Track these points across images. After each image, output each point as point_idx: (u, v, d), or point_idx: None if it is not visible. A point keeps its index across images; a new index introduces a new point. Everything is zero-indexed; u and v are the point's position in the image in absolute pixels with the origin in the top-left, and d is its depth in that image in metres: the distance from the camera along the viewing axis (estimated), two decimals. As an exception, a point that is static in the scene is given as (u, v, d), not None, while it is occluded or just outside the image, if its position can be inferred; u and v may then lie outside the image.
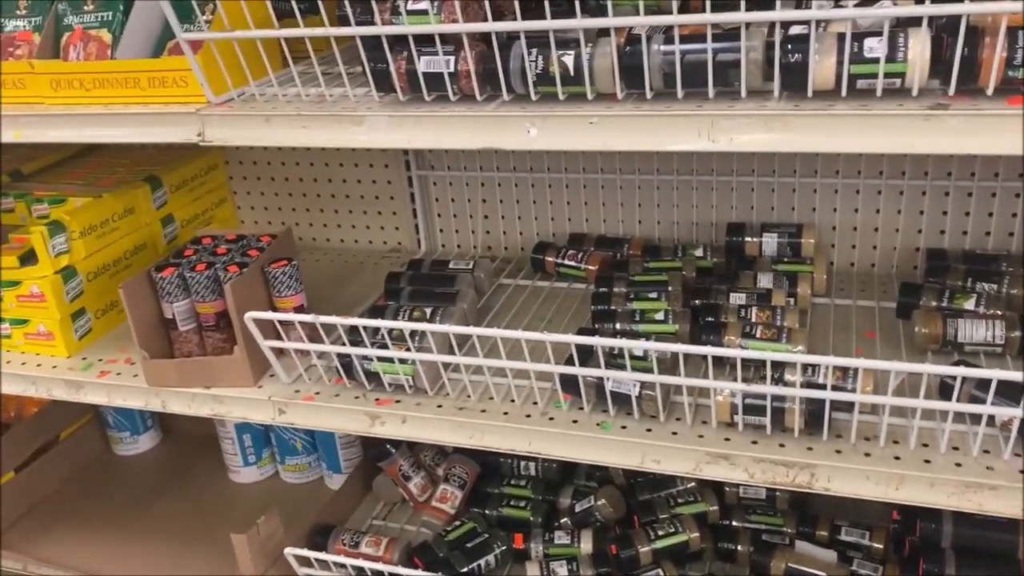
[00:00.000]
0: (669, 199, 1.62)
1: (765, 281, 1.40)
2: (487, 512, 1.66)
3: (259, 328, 1.31)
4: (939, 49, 0.88)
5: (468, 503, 1.69)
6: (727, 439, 1.15)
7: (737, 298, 1.36)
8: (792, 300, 1.37)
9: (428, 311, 1.39)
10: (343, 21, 1.09)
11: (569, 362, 1.19)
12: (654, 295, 1.37)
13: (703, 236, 1.63)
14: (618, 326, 1.33)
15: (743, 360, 1.14)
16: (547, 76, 1.00)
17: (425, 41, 1.03)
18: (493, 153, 1.70)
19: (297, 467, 1.88)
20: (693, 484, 1.60)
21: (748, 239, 1.50)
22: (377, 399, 1.31)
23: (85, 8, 1.27)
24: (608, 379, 1.17)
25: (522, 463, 1.73)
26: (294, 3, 1.10)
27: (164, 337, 1.44)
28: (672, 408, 1.21)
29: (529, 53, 0.99)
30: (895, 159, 1.47)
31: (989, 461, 1.06)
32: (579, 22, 0.95)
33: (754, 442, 1.14)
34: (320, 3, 1.04)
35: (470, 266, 1.56)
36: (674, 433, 1.17)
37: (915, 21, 0.89)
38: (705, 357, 1.19)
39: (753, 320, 1.30)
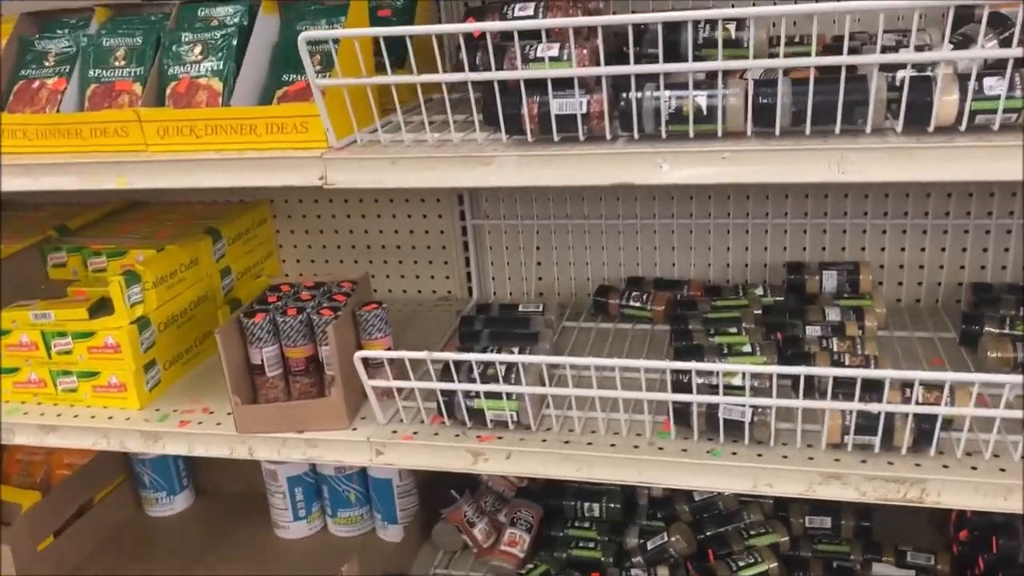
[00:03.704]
0: (723, 242, 1.70)
1: (833, 315, 1.48)
2: (556, 555, 1.67)
3: (353, 370, 1.32)
4: (1051, 86, 0.98)
5: (535, 547, 1.70)
6: (837, 459, 1.20)
7: (813, 330, 1.43)
8: (862, 332, 1.45)
9: (515, 351, 1.42)
10: (460, 69, 1.15)
11: (677, 390, 1.24)
12: (733, 330, 1.43)
13: (755, 277, 1.71)
14: (706, 359, 1.39)
15: (841, 381, 1.21)
16: (680, 115, 1.07)
17: (559, 85, 1.09)
18: (548, 200, 1.76)
19: (349, 519, 1.86)
20: (760, 517, 1.64)
21: (807, 277, 1.58)
22: (479, 436, 1.33)
23: (191, 59, 1.30)
24: (721, 406, 1.22)
25: (585, 504, 1.74)
26: (385, 57, 1.16)
27: (249, 384, 1.44)
28: (776, 434, 1.25)
29: (666, 93, 1.06)
30: (938, 200, 1.58)
31: (1090, 468, 1.14)
32: (719, 64, 1.02)
33: (863, 461, 1.20)
34: (412, 55, 1.09)
35: (540, 309, 1.60)
36: (784, 457, 1.22)
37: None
38: (794, 386, 1.26)
39: (835, 350, 1.37)
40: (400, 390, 1.36)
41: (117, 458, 1.97)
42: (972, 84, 0.98)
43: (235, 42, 1.28)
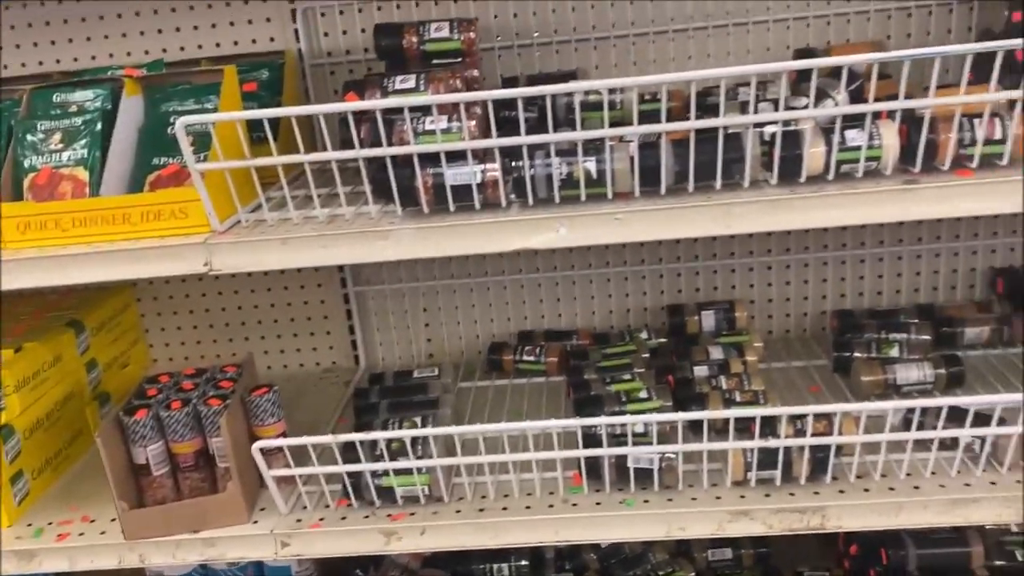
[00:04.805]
0: (605, 290, 1.75)
1: (716, 353, 1.54)
2: (470, 622, 1.64)
3: (249, 460, 1.26)
4: (904, 135, 1.07)
5: (447, 617, 1.66)
6: (743, 496, 1.25)
7: (701, 370, 1.49)
8: (745, 367, 1.52)
9: (418, 420, 1.40)
10: (347, 145, 1.14)
11: (587, 444, 1.26)
12: (627, 377, 1.47)
13: (637, 321, 1.76)
14: (606, 409, 1.41)
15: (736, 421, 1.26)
16: (571, 181, 1.10)
17: (452, 156, 1.10)
18: (432, 262, 1.75)
19: (245, 613, 1.76)
20: (665, 556, 1.67)
21: (688, 318, 1.65)
22: (389, 515, 1.30)
23: (50, 147, 1.21)
24: (630, 456, 1.24)
25: (494, 566, 1.72)
26: (268, 132, 1.13)
27: (134, 485, 1.34)
28: (683, 477, 1.29)
29: (557, 160, 1.08)
30: (799, 238, 1.69)
31: (967, 480, 1.23)
32: (607, 132, 1.06)
33: (767, 495, 1.25)
34: (297, 132, 1.08)
35: (436, 373, 1.58)
36: (693, 499, 1.26)
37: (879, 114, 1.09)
38: (691, 428, 1.31)
39: (725, 387, 1.43)
40: (302, 476, 1.31)
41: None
42: (836, 137, 1.06)
43: (99, 128, 1.21)
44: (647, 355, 1.58)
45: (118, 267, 1.16)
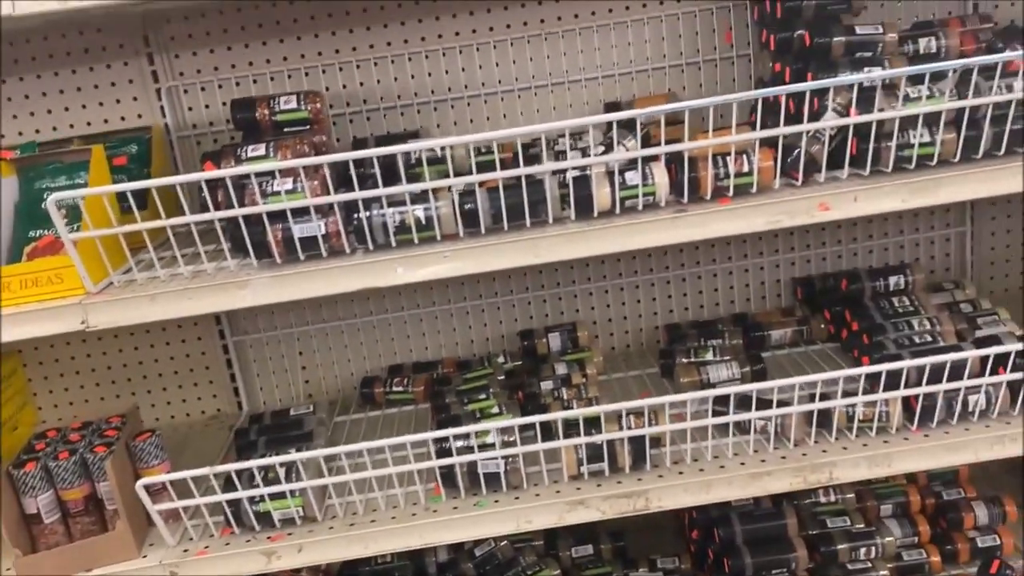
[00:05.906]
0: (465, 322, 1.94)
1: (561, 369, 1.75)
2: (359, 637, 1.77)
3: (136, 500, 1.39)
4: (673, 173, 1.31)
5: (338, 635, 1.79)
6: (578, 488, 1.45)
7: (547, 385, 1.69)
8: (585, 379, 1.73)
9: (292, 451, 1.55)
10: (205, 207, 1.31)
11: (440, 457, 1.43)
12: (483, 396, 1.66)
13: (496, 347, 1.96)
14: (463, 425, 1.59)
15: (572, 422, 1.46)
16: (404, 227, 1.29)
17: (298, 212, 1.27)
18: (304, 309, 1.91)
19: (146, 656, 1.84)
20: (534, 558, 1.85)
21: (537, 341, 1.85)
22: (269, 537, 1.44)
23: (-68, 228, 1.33)
24: (480, 463, 1.43)
25: (381, 583, 1.87)
26: (132, 203, 1.29)
27: (26, 535, 1.44)
28: (528, 478, 1.48)
29: (390, 211, 1.27)
30: (628, 264, 1.92)
31: (762, 457, 1.46)
32: (429, 184, 1.25)
33: (599, 485, 1.45)
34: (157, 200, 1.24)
35: (311, 409, 1.73)
36: (537, 495, 1.45)
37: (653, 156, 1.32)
38: (535, 435, 1.50)
39: (565, 398, 1.63)
40: (187, 509, 1.44)
41: None
42: (618, 178, 1.29)
43: (-24, 207, 1.34)
44: (503, 376, 1.77)
45: (2, 331, 1.28)
